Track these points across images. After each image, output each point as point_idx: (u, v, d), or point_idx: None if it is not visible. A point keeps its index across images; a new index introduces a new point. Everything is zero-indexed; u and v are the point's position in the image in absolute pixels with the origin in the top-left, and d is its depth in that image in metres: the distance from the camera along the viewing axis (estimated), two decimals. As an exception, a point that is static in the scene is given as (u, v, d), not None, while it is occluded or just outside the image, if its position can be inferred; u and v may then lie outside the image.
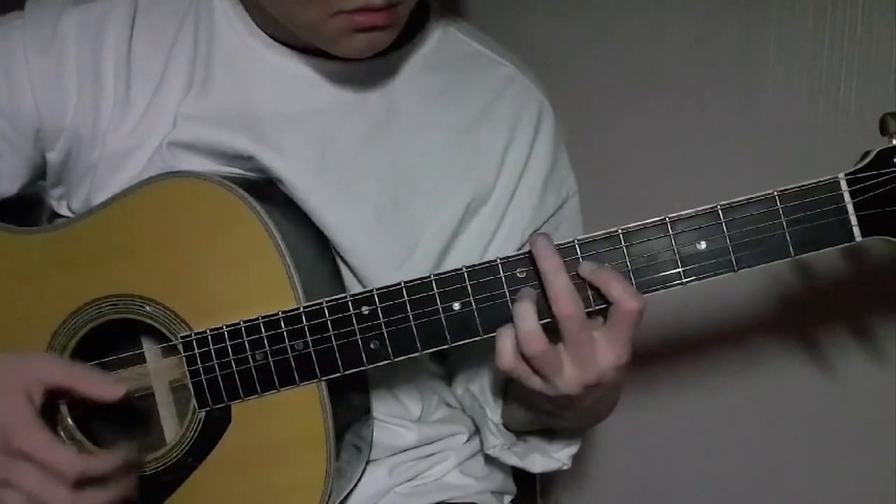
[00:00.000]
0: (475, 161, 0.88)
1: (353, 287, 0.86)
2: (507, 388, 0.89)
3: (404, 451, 0.96)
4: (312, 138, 0.84)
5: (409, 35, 0.87)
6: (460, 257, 0.89)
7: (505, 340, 0.72)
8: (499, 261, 0.74)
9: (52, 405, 0.80)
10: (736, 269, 0.72)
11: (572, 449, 0.91)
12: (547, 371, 0.71)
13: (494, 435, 0.91)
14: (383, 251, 0.85)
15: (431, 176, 0.86)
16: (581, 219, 0.97)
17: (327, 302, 0.76)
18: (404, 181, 0.86)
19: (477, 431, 1.02)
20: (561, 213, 0.94)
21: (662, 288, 0.73)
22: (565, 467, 0.91)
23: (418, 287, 0.75)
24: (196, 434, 0.81)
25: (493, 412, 0.91)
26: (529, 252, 0.73)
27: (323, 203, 0.83)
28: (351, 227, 0.84)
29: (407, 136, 0.86)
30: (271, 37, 0.85)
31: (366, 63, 0.85)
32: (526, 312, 0.70)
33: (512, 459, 0.91)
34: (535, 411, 0.83)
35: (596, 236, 0.73)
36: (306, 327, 0.77)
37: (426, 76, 0.88)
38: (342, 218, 0.84)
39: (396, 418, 0.95)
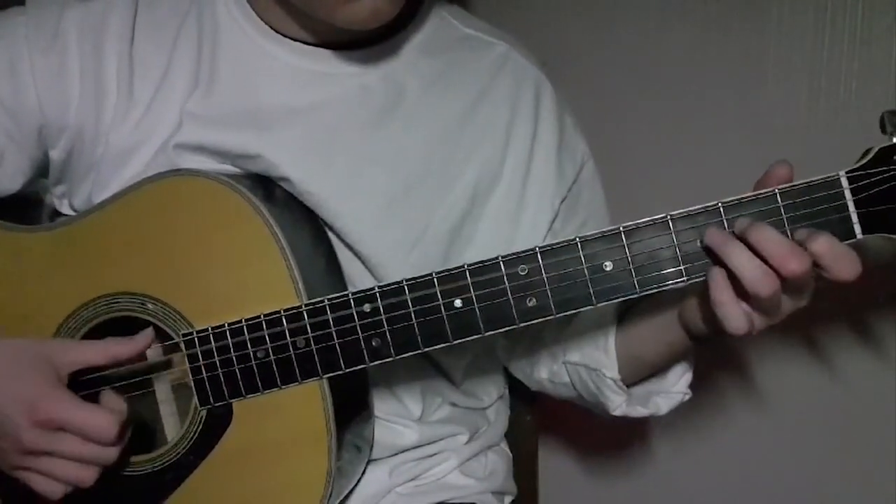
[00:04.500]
0: (478, 142, 0.88)
1: (361, 275, 0.87)
2: (617, 344, 0.89)
3: (405, 450, 0.96)
4: (319, 130, 0.85)
5: (405, 20, 0.88)
6: (486, 239, 0.90)
7: (731, 304, 0.69)
8: (500, 258, 0.74)
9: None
10: (738, 266, 0.71)
11: (687, 377, 0.89)
12: (774, 308, 0.70)
13: (617, 392, 0.89)
14: (394, 237, 0.86)
15: (437, 159, 0.87)
16: (599, 181, 0.97)
17: (329, 300, 0.76)
18: (412, 166, 0.86)
19: (476, 432, 1.03)
20: (580, 178, 0.94)
21: (665, 286, 0.72)
22: (688, 397, 0.90)
23: (420, 284, 0.75)
24: (197, 432, 0.81)
25: (611, 370, 0.89)
26: (531, 249, 0.73)
27: (332, 195, 0.84)
28: (361, 216, 0.85)
29: (411, 120, 0.87)
30: (274, 29, 0.85)
31: (367, 50, 0.86)
32: (743, 257, 0.67)
33: (638, 410, 0.89)
34: (663, 351, 0.84)
35: (598, 234, 0.72)
36: (308, 325, 0.77)
37: (425, 60, 0.89)
38: (352, 207, 0.84)
39: (397, 417, 0.95)
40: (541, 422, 1.23)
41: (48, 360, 0.76)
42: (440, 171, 0.87)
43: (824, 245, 0.67)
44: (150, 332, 0.80)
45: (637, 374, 0.90)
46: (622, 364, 0.89)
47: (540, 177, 0.90)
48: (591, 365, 0.91)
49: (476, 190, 0.88)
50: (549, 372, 0.97)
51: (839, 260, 0.67)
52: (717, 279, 0.69)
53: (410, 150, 0.86)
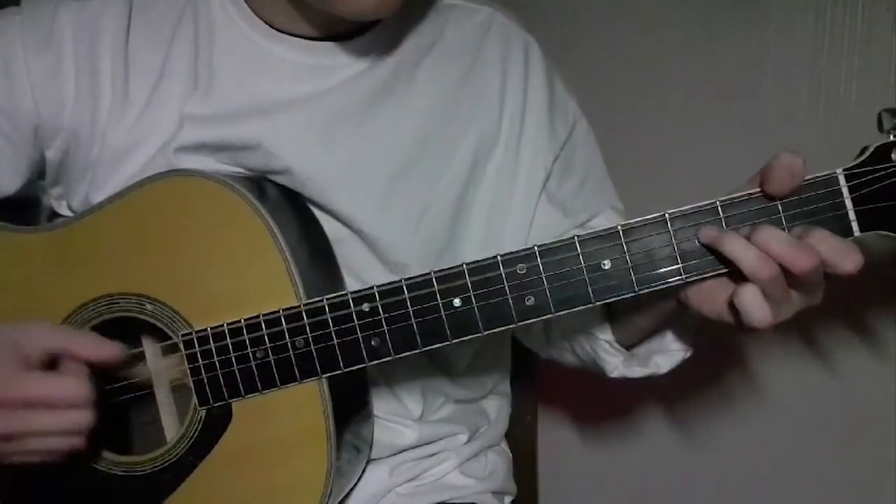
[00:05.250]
0: (475, 110, 0.89)
1: (365, 260, 0.87)
2: (610, 307, 0.90)
3: (405, 450, 0.96)
4: (318, 119, 0.85)
5: None
6: (487, 201, 0.91)
7: (753, 300, 0.68)
8: (499, 257, 0.74)
9: None
10: (736, 264, 0.72)
11: (687, 335, 0.88)
12: (780, 295, 0.69)
13: (612, 354, 0.90)
14: (399, 215, 0.86)
15: (435, 132, 0.88)
16: (594, 140, 0.98)
17: (328, 299, 0.76)
18: (410, 142, 0.87)
19: (476, 431, 1.03)
20: (573, 137, 0.95)
21: (663, 285, 0.72)
22: (689, 353, 0.88)
23: (418, 284, 0.75)
24: (197, 432, 0.81)
25: (604, 332, 0.91)
26: (530, 248, 0.73)
27: (334, 181, 0.84)
28: (364, 199, 0.85)
29: (406, 98, 0.87)
30: (272, 25, 0.85)
31: (366, 37, 0.86)
32: (740, 245, 0.68)
33: (637, 371, 0.90)
34: (655, 314, 0.84)
35: (595, 233, 0.72)
36: (307, 325, 0.77)
37: (417, 35, 0.89)
38: (354, 191, 0.85)
39: (397, 417, 0.95)
40: (541, 420, 1.23)
41: (16, 345, 0.74)
42: (439, 144, 0.88)
43: (819, 240, 0.67)
44: (120, 350, 0.78)
45: (634, 337, 0.90)
46: (616, 327, 0.90)
47: (532, 136, 0.91)
48: (585, 329, 0.92)
49: (476, 157, 0.89)
50: (550, 340, 0.99)
51: (838, 253, 0.67)
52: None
53: (408, 126, 0.87)
